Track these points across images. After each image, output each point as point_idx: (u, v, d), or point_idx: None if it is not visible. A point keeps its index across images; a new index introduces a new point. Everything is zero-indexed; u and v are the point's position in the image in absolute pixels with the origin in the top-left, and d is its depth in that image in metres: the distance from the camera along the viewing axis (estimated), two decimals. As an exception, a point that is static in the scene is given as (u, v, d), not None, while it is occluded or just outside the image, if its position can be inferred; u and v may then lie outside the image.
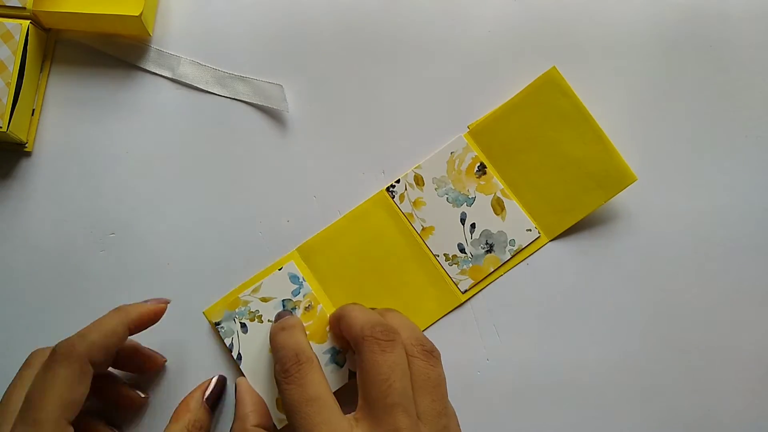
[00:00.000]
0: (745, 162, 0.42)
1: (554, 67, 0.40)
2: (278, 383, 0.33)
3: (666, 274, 0.41)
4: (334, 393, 0.37)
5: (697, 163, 0.42)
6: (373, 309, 0.37)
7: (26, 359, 0.35)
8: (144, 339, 0.39)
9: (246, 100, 0.42)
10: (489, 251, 0.40)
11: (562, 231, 0.40)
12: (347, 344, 0.38)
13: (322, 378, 0.33)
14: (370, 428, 0.31)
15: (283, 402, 0.32)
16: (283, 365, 0.33)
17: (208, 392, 0.38)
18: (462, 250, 0.40)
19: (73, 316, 0.40)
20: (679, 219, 0.41)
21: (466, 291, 0.40)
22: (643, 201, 0.41)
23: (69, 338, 0.33)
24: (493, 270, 0.40)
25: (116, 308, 0.35)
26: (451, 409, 0.34)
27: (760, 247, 0.41)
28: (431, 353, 0.33)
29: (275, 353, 0.35)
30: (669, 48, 0.43)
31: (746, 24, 0.43)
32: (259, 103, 0.41)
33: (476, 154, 0.41)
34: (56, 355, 0.32)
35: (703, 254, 0.41)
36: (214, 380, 0.38)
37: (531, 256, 0.40)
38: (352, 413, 0.32)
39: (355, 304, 0.37)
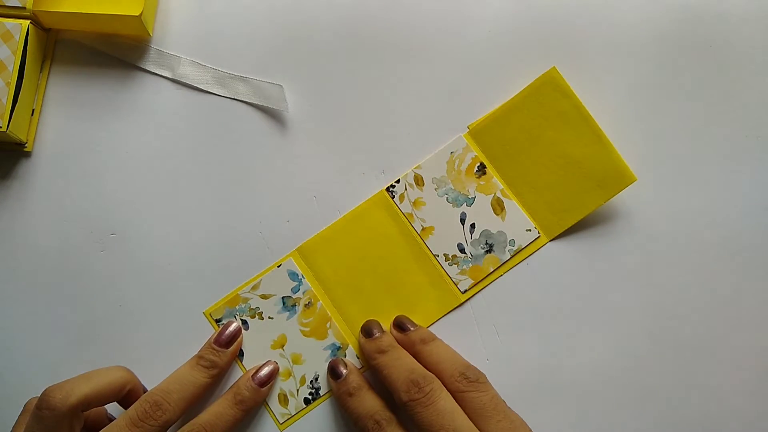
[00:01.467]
0: (745, 162, 0.42)
1: (554, 67, 0.40)
2: None
3: (666, 274, 0.41)
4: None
5: (697, 163, 0.42)
6: (408, 330, 0.38)
7: (24, 406, 0.36)
8: (144, 338, 0.39)
9: (246, 100, 0.42)
10: (489, 251, 0.40)
11: (562, 231, 0.40)
12: (346, 339, 0.39)
13: None
14: None
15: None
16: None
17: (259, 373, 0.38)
18: (462, 250, 0.40)
19: (73, 316, 0.40)
20: (679, 219, 0.41)
21: (465, 291, 0.40)
22: (643, 201, 0.41)
23: (59, 390, 0.33)
24: (492, 270, 0.40)
25: (122, 367, 0.37)
26: (517, 420, 0.35)
27: (760, 247, 0.41)
28: (477, 381, 0.35)
29: (354, 422, 0.36)
30: (669, 48, 0.43)
31: (746, 24, 0.43)
32: (259, 103, 0.41)
33: (476, 154, 0.41)
34: (40, 413, 0.32)
35: (703, 254, 0.41)
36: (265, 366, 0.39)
37: (531, 256, 0.40)
38: None
39: (385, 353, 0.37)
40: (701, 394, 0.40)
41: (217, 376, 0.37)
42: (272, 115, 0.42)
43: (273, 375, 0.38)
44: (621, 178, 0.40)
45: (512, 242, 0.40)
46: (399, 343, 0.38)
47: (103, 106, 0.41)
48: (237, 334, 0.38)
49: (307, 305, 0.39)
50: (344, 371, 0.38)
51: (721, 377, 0.40)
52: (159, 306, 0.40)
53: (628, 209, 0.41)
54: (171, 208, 0.41)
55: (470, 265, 0.40)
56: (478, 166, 0.40)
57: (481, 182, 0.40)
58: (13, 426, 0.35)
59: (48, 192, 0.41)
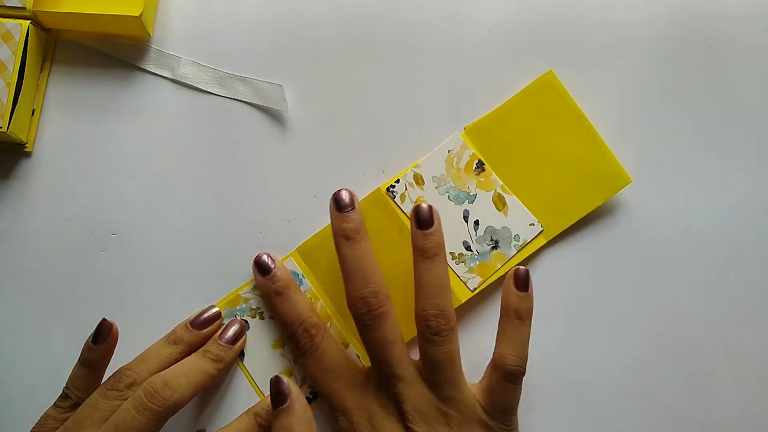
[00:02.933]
0: (744, 162, 0.42)
1: (551, 70, 0.41)
2: (294, 355, 0.36)
3: (666, 274, 0.41)
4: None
5: (697, 163, 0.42)
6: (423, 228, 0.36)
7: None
8: (145, 338, 0.39)
9: (246, 100, 0.42)
10: (495, 247, 0.40)
11: (559, 232, 0.40)
12: (346, 339, 0.39)
13: (333, 344, 0.36)
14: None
15: (305, 372, 0.36)
16: (297, 342, 0.37)
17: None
18: (468, 248, 0.40)
19: (73, 316, 0.40)
20: (678, 219, 0.41)
21: (475, 289, 0.39)
22: (643, 201, 0.41)
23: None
24: (500, 266, 0.40)
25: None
26: (466, 392, 0.36)
27: (760, 246, 0.41)
28: (437, 334, 0.35)
29: (281, 324, 0.37)
30: (668, 48, 0.43)
31: (746, 24, 0.43)
32: (259, 103, 0.41)
33: (473, 151, 0.41)
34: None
35: (702, 254, 0.41)
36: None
37: (530, 257, 0.40)
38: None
39: (349, 238, 0.36)
40: (701, 394, 0.40)
41: (223, 370, 0.37)
42: (272, 115, 0.42)
43: (241, 332, 0.39)
44: (617, 180, 0.40)
45: (517, 237, 0.40)
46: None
47: (103, 106, 0.41)
48: (241, 332, 0.39)
49: (308, 305, 0.39)
50: (272, 266, 0.38)
51: (721, 377, 0.40)
52: (159, 306, 0.40)
53: (627, 209, 0.41)
54: (171, 208, 0.41)
55: (477, 262, 0.39)
56: (476, 163, 0.40)
57: (481, 179, 0.40)
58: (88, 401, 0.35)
59: (48, 192, 0.41)
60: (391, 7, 0.43)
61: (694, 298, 0.41)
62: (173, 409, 0.33)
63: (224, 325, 0.39)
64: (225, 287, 0.40)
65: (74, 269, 0.40)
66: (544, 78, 0.41)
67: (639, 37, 0.43)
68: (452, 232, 0.40)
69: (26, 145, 0.40)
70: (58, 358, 0.39)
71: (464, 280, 0.39)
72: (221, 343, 0.37)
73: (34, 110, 0.41)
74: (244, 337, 0.39)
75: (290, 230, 0.41)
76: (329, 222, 0.40)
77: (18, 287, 0.40)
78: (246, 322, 0.39)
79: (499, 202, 0.40)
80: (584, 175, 0.40)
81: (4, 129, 0.38)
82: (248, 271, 0.40)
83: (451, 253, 0.40)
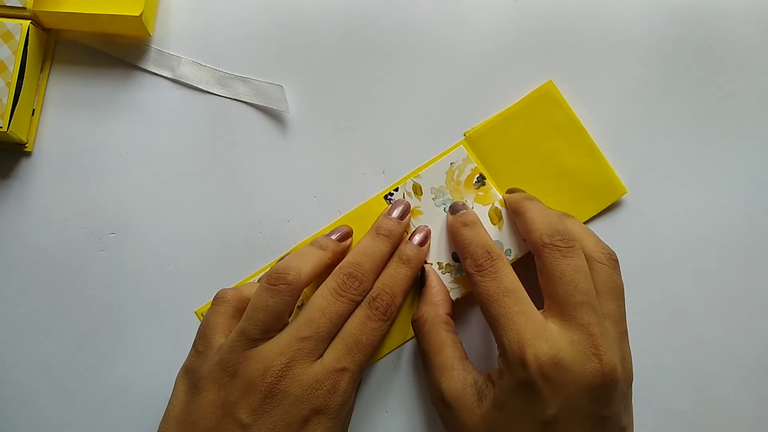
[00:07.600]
0: (744, 162, 0.42)
1: (551, 80, 0.41)
2: (470, 276, 0.35)
3: (665, 275, 0.41)
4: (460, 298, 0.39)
5: (697, 164, 0.42)
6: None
7: (215, 296, 0.37)
8: (144, 338, 0.39)
9: (246, 100, 0.42)
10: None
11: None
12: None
13: (514, 272, 0.35)
14: (560, 323, 0.33)
15: (478, 294, 0.34)
16: (476, 260, 0.35)
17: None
18: (456, 259, 0.39)
19: (72, 316, 0.40)
20: (678, 219, 0.41)
21: (457, 299, 0.39)
22: (642, 200, 0.41)
23: (288, 267, 0.34)
24: None
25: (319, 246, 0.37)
26: None
27: (760, 247, 0.41)
28: (615, 260, 0.35)
29: (463, 248, 0.37)
30: (669, 48, 0.42)
31: (746, 24, 0.43)
32: (259, 104, 0.41)
33: (475, 165, 0.40)
34: (276, 287, 0.34)
35: (702, 255, 0.41)
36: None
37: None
38: (541, 310, 0.34)
39: (532, 200, 0.37)
40: (701, 395, 0.40)
41: (395, 245, 0.38)
42: (272, 115, 0.42)
43: (428, 236, 0.39)
44: (613, 191, 0.40)
45: (509, 252, 0.39)
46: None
47: (103, 106, 0.41)
48: (408, 208, 0.39)
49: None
50: (464, 209, 0.39)
51: (721, 377, 0.40)
52: (159, 306, 0.40)
53: (628, 209, 0.41)
54: (171, 208, 0.41)
55: (462, 273, 0.39)
56: (477, 177, 0.40)
57: (480, 193, 0.40)
58: (207, 313, 0.36)
59: (48, 192, 0.41)
60: (392, 8, 0.42)
61: (694, 299, 0.41)
62: (363, 295, 0.36)
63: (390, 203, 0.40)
64: (225, 287, 0.40)
65: (73, 269, 0.40)
66: (544, 88, 0.41)
67: (638, 39, 0.42)
68: (442, 243, 0.40)
69: (26, 145, 0.41)
70: (57, 358, 0.39)
71: (449, 289, 0.39)
72: (390, 218, 0.38)
73: (34, 110, 0.41)
74: (410, 213, 0.40)
75: (290, 230, 0.41)
76: (329, 222, 0.40)
77: (17, 287, 0.40)
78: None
79: (495, 216, 0.40)
80: (581, 185, 0.40)
81: (4, 129, 0.38)
82: (248, 271, 0.40)
83: (438, 263, 0.39)
